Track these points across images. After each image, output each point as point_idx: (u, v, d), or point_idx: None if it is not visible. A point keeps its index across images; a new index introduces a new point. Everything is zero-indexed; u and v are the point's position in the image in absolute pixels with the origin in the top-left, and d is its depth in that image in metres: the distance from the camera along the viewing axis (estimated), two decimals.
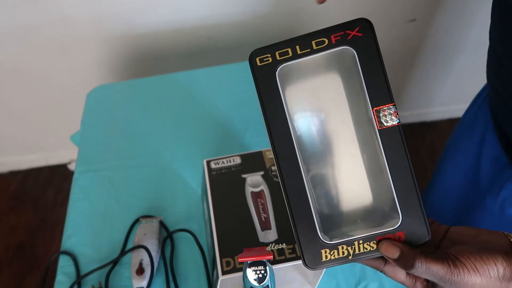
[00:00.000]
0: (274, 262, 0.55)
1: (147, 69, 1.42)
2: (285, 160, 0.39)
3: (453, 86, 1.63)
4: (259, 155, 0.68)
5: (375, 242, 0.38)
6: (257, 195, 0.63)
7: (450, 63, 1.54)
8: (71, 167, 1.75)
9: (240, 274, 0.51)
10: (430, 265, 0.35)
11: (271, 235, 0.58)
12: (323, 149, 0.41)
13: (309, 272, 0.66)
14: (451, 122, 1.74)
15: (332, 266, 0.39)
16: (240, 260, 0.46)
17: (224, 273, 0.54)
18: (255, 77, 0.39)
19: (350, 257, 0.38)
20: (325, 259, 0.38)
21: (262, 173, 0.65)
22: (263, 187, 0.64)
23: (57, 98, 1.51)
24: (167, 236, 0.73)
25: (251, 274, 0.45)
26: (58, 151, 1.73)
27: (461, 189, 0.77)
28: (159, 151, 0.88)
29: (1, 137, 1.63)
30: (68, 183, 0.84)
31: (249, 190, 0.64)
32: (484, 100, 0.71)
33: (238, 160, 0.67)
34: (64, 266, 0.71)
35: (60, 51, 1.36)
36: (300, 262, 0.55)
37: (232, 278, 0.54)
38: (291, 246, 0.57)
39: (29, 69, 1.40)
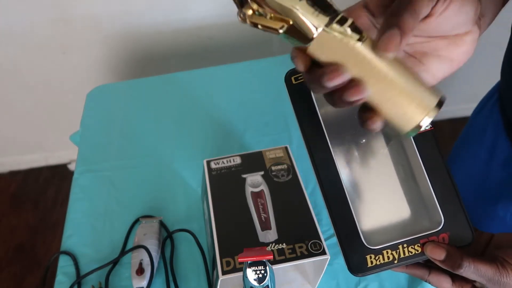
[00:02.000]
0: (274, 262, 0.55)
1: (147, 69, 1.42)
2: (324, 169, 0.39)
3: (454, 87, 1.63)
4: (259, 155, 0.68)
5: (419, 245, 0.38)
6: (257, 195, 0.63)
7: None
8: (71, 167, 1.75)
9: (240, 274, 0.51)
10: (479, 265, 0.35)
11: (271, 235, 0.58)
12: (363, 160, 0.42)
13: (309, 272, 0.66)
14: (452, 122, 1.74)
15: (378, 272, 0.38)
16: (240, 260, 0.46)
17: (224, 273, 0.54)
18: (291, 94, 0.40)
19: (395, 262, 0.38)
20: (370, 265, 0.38)
21: (262, 173, 0.65)
22: (263, 187, 0.64)
23: (57, 98, 1.51)
24: (167, 236, 0.73)
25: (251, 274, 0.45)
26: (58, 151, 1.73)
27: (470, 195, 0.75)
28: (159, 151, 0.88)
29: (1, 137, 1.63)
30: (68, 183, 0.84)
31: (249, 190, 0.64)
32: (495, 104, 0.70)
33: (238, 160, 0.67)
34: (64, 266, 0.71)
35: (60, 51, 1.36)
36: (300, 262, 0.55)
37: (232, 278, 0.54)
38: (291, 246, 0.57)
39: (29, 69, 1.41)
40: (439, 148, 0.39)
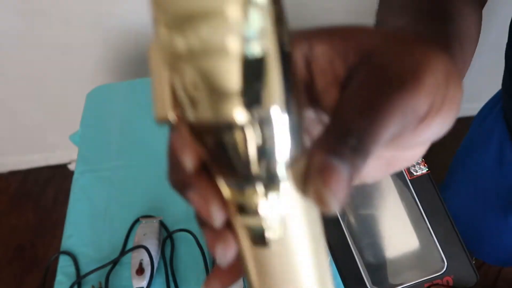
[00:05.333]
0: None
1: (147, 69, 1.42)
2: (326, 221, 0.40)
3: None
4: None
5: None
6: None
7: None
8: (71, 167, 1.75)
9: None
10: None
11: None
12: (364, 202, 0.42)
13: None
14: (455, 122, 1.73)
15: None
16: None
17: None
18: None
19: None
20: None
21: None
22: None
23: (57, 98, 1.51)
24: (167, 236, 0.73)
25: None
26: (58, 151, 1.73)
27: (477, 204, 0.73)
28: (159, 151, 0.87)
29: (1, 137, 1.63)
30: (68, 183, 0.84)
31: None
32: (499, 114, 0.68)
33: None
34: (64, 266, 0.71)
35: (60, 51, 1.36)
36: None
37: None
38: None
39: (29, 69, 1.40)
40: (438, 191, 0.40)
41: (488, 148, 0.69)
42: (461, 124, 0.84)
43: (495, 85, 0.72)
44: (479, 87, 1.53)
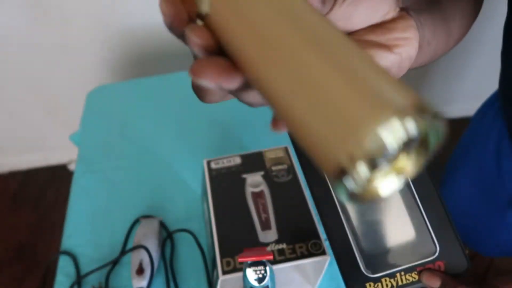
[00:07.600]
0: (274, 262, 0.55)
1: (147, 69, 1.42)
2: (323, 204, 0.41)
3: (454, 85, 1.63)
4: (259, 155, 0.68)
5: (416, 273, 0.40)
6: (257, 195, 0.63)
7: (451, 63, 1.54)
8: (71, 167, 1.75)
9: (240, 274, 0.51)
10: None
11: (271, 235, 0.58)
12: None
13: (309, 272, 0.66)
14: (450, 122, 1.74)
15: None
16: (240, 260, 0.46)
17: (224, 273, 0.54)
18: None
19: None
20: None
21: (262, 173, 0.65)
22: (263, 187, 0.64)
23: (57, 98, 1.51)
24: (167, 236, 0.73)
25: (251, 274, 0.45)
26: (58, 151, 1.73)
27: (474, 202, 0.74)
28: (159, 151, 0.88)
29: (1, 137, 1.63)
30: (68, 183, 0.84)
31: (249, 190, 0.64)
32: (498, 113, 0.69)
33: (238, 160, 0.67)
34: (64, 266, 0.71)
35: (60, 51, 1.36)
36: (300, 262, 0.55)
37: (232, 278, 0.54)
38: (291, 246, 0.57)
39: (29, 69, 1.41)
40: (431, 176, 0.40)
41: (486, 146, 0.70)
42: (460, 123, 0.84)
43: (494, 84, 0.72)
44: (478, 86, 1.53)
